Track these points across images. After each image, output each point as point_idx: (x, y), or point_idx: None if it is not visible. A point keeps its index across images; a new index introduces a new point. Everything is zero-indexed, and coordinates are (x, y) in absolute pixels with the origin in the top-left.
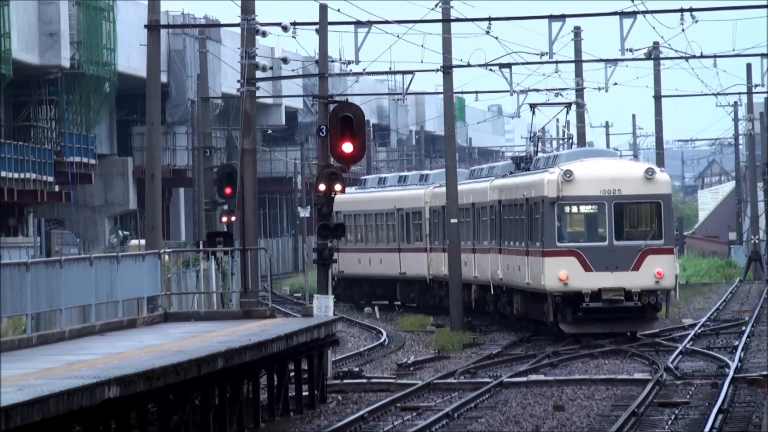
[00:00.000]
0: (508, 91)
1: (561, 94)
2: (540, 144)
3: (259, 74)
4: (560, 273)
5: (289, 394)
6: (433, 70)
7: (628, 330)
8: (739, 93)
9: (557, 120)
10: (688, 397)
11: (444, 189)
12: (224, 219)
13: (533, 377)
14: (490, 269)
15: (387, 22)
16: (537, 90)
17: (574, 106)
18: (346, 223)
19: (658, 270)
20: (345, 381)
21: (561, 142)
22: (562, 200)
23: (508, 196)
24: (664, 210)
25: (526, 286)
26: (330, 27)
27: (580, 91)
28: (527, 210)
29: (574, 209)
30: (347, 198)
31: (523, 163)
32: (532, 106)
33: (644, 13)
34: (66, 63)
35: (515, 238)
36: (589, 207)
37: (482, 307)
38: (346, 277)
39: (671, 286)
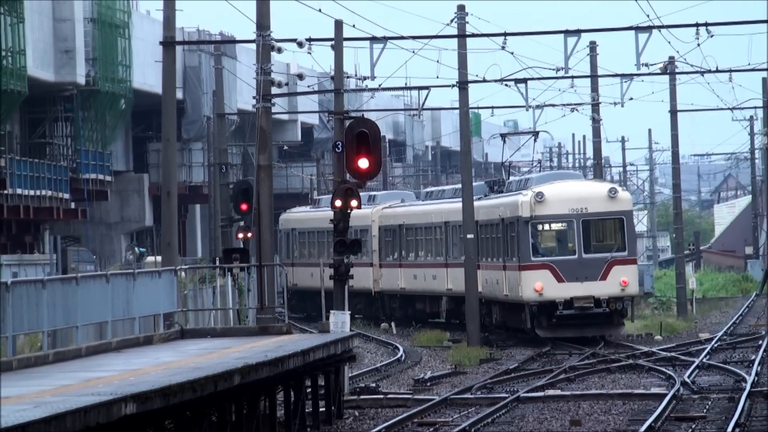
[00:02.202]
0: (523, 106)
1: (576, 109)
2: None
3: (274, 90)
4: (536, 284)
5: (306, 410)
6: (449, 86)
7: (598, 334)
8: (755, 107)
9: (573, 134)
10: (705, 411)
11: (395, 210)
12: (240, 235)
13: (550, 392)
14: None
15: (402, 37)
16: (553, 105)
17: (541, 134)
18: (299, 239)
19: (623, 279)
20: (362, 397)
21: (531, 166)
22: (535, 219)
23: (485, 217)
24: (627, 225)
25: (504, 298)
26: (345, 43)
27: (595, 105)
28: (503, 228)
29: (546, 227)
30: (301, 216)
31: (496, 186)
32: (503, 136)
33: (660, 27)
34: (81, 80)
35: (492, 255)
36: (560, 224)
37: (456, 318)
38: (300, 289)
39: (635, 293)
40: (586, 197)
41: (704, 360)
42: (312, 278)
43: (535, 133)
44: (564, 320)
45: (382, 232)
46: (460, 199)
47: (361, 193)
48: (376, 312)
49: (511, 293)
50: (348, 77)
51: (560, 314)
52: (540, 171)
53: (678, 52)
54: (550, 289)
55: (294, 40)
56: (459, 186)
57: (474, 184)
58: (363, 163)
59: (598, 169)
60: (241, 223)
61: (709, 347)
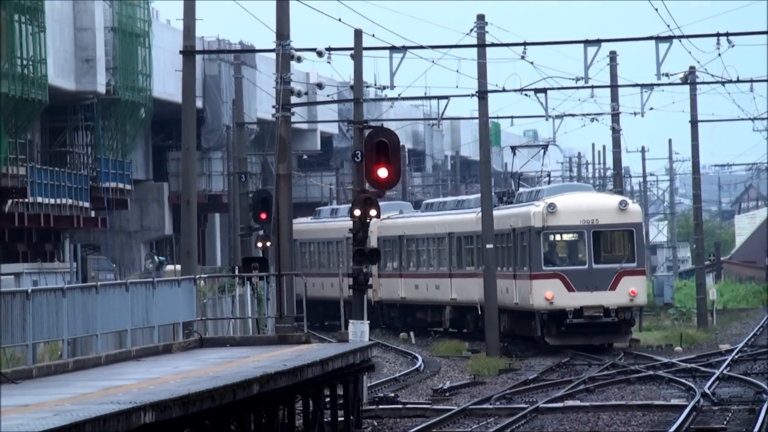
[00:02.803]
0: (543, 116)
1: (596, 119)
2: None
3: (294, 99)
4: (546, 293)
5: (325, 420)
6: (469, 95)
7: (606, 342)
8: None
9: (593, 145)
10: (725, 422)
11: (395, 221)
12: (259, 244)
13: (569, 403)
14: (478, 292)
15: (422, 47)
16: (572, 115)
17: (550, 147)
18: (300, 250)
19: (632, 289)
20: (380, 406)
21: (541, 178)
22: (547, 229)
23: (496, 227)
24: (636, 237)
25: (514, 306)
26: (365, 52)
27: (615, 115)
28: (514, 238)
29: (558, 237)
30: (302, 227)
31: (505, 197)
32: (513, 149)
33: (680, 37)
34: (102, 89)
35: (503, 264)
36: (571, 235)
37: (458, 327)
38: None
39: (644, 303)
40: (597, 209)
41: (725, 371)
42: (314, 288)
43: (545, 146)
44: (573, 328)
45: (381, 242)
46: (463, 211)
47: None
48: (375, 321)
49: (522, 302)
50: (367, 86)
51: (570, 323)
52: (549, 183)
53: (698, 61)
54: (560, 297)
55: (314, 50)
56: (461, 198)
57: (473, 196)
58: (382, 172)
59: (618, 179)
60: (261, 232)
61: (729, 358)
